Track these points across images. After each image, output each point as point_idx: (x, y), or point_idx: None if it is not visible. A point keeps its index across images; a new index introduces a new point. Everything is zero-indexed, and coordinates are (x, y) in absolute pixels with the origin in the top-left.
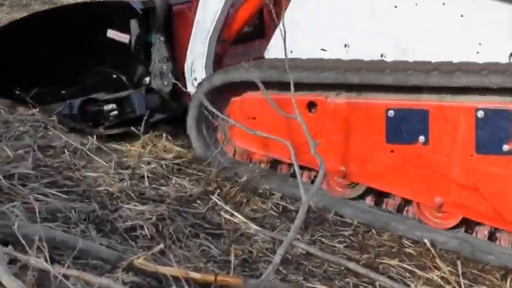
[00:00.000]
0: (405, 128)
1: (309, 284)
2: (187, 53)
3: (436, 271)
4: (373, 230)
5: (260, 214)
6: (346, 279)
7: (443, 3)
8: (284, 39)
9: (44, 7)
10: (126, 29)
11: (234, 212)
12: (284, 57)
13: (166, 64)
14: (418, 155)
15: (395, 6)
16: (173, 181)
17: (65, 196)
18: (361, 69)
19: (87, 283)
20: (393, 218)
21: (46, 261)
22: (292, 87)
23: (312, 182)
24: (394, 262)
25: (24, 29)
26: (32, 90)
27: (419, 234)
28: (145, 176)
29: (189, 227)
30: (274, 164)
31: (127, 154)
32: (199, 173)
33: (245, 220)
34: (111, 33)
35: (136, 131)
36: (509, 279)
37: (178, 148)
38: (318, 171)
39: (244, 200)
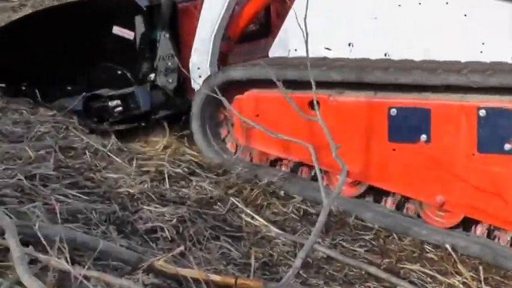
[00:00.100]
0: (407, 126)
1: None
2: (192, 50)
3: (458, 276)
4: (394, 235)
5: (281, 217)
6: (367, 284)
7: (447, 3)
8: (306, 40)
9: None
10: (131, 26)
11: (254, 215)
12: (287, 55)
13: (171, 61)
14: (420, 153)
15: (399, 5)
16: (194, 183)
17: (85, 197)
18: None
19: (107, 284)
20: (414, 223)
21: (67, 262)
22: (313, 87)
23: (313, 178)
24: (415, 267)
25: (29, 26)
26: (38, 86)
27: (441, 239)
28: (166, 177)
29: (210, 229)
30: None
31: (148, 156)
32: (220, 175)
33: (266, 223)
34: (117, 30)
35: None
36: None
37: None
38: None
39: (265, 203)
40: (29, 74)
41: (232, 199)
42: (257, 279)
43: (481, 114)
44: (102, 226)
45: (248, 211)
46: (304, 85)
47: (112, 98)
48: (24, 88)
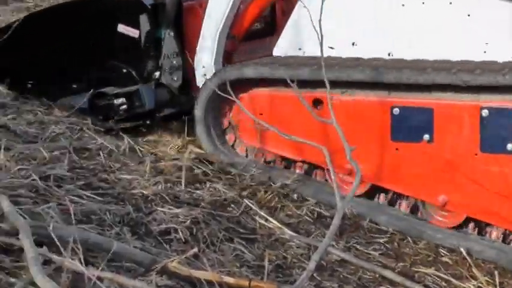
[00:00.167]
0: (410, 126)
1: None
2: (197, 48)
3: (473, 281)
4: (409, 238)
5: (295, 219)
6: (381, 287)
7: (450, 3)
8: (321, 42)
9: None
10: (136, 24)
11: (268, 217)
12: (291, 54)
13: (176, 59)
14: (422, 153)
15: (403, 5)
16: (207, 185)
17: (99, 198)
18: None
19: (121, 286)
20: (429, 227)
21: (80, 263)
22: (327, 86)
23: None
24: (430, 271)
25: (34, 24)
26: (43, 84)
27: (456, 243)
28: (180, 179)
29: (223, 231)
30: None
31: (162, 157)
32: (234, 177)
33: (280, 225)
34: (122, 28)
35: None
36: None
37: None
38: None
39: (279, 205)
40: (35, 72)
41: (246, 201)
42: (271, 281)
43: (483, 114)
44: (116, 227)
45: (262, 213)
46: (307, 84)
47: (117, 96)
48: (29, 86)
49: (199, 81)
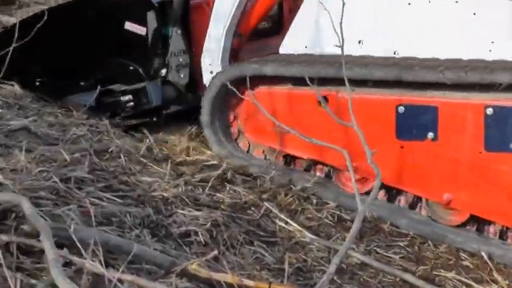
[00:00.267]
0: (415, 124)
1: None
2: (204, 46)
3: (494, 285)
4: (430, 242)
5: (315, 222)
6: None
7: (456, 1)
8: (342, 45)
9: None
10: (143, 22)
11: (288, 220)
12: (296, 52)
13: (182, 57)
14: (427, 151)
15: (409, 4)
16: (228, 187)
17: (120, 200)
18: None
19: None
20: (450, 231)
21: (101, 265)
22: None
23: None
24: (451, 274)
25: (42, 22)
26: (51, 82)
27: (477, 247)
28: (200, 181)
29: (243, 234)
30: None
31: (182, 160)
32: (254, 180)
33: (300, 228)
34: (129, 26)
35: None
36: None
37: None
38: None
39: (299, 208)
40: (43, 70)
41: (267, 204)
42: (291, 284)
43: (488, 112)
44: (136, 229)
45: (282, 216)
46: (313, 82)
47: (124, 93)
48: (38, 84)
49: (206, 78)
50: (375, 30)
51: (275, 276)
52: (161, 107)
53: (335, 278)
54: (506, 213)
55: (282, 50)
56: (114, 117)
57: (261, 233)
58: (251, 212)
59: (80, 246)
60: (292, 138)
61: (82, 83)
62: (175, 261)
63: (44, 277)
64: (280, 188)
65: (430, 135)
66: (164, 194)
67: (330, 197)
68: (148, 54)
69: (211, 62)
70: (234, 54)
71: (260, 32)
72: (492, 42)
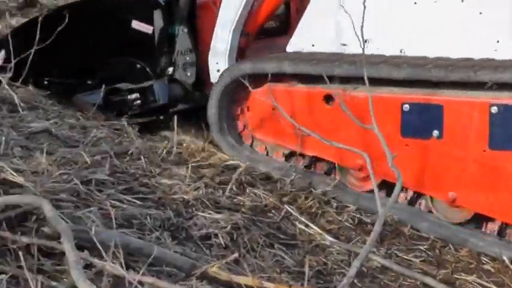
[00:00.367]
0: (420, 122)
1: None
2: (211, 45)
3: None
4: (450, 245)
5: (335, 226)
6: None
7: (462, 1)
8: (363, 48)
9: None
10: (150, 21)
11: (308, 223)
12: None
13: (189, 55)
14: (432, 149)
15: (415, 3)
16: (248, 190)
17: (140, 203)
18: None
19: None
20: (472, 234)
21: (121, 267)
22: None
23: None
24: (471, 278)
25: (50, 22)
26: (59, 80)
27: (498, 251)
28: (221, 184)
29: (264, 237)
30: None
31: (203, 162)
32: (274, 183)
33: (320, 231)
34: (136, 24)
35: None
36: None
37: None
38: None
39: (319, 212)
40: (50, 68)
41: (287, 207)
42: (311, 287)
43: (492, 111)
44: (157, 232)
45: (302, 219)
46: (319, 80)
47: (131, 91)
48: (46, 82)
49: (213, 77)
50: (382, 29)
51: (295, 279)
52: (168, 105)
53: (355, 281)
54: (510, 212)
55: (289, 49)
56: (121, 116)
57: (281, 236)
58: (271, 214)
59: (100, 248)
60: (295, 135)
61: (89, 82)
62: (195, 264)
63: (65, 279)
64: (301, 191)
65: (435, 133)
66: (185, 197)
67: (350, 200)
68: (155, 52)
69: (218, 60)
70: (240, 53)
71: (267, 31)
72: (497, 41)
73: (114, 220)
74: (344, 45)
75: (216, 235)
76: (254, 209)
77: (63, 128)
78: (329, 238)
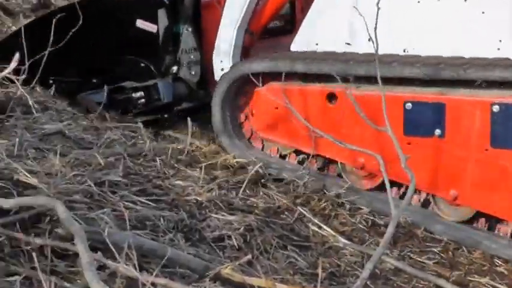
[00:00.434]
0: (422, 121)
1: None
2: (216, 43)
3: None
4: (464, 248)
5: (348, 227)
6: None
7: (465, 0)
8: (376, 50)
9: None
10: (154, 19)
11: (322, 225)
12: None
13: (193, 54)
14: (434, 147)
15: (418, 2)
16: (261, 192)
17: (154, 204)
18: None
19: None
20: (485, 237)
21: (135, 268)
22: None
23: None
24: (485, 280)
25: (55, 21)
26: (64, 79)
27: (511, 253)
28: (234, 186)
29: (277, 238)
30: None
31: (216, 164)
32: (288, 185)
33: (333, 233)
34: (140, 23)
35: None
36: None
37: None
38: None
39: (333, 213)
40: (56, 68)
41: (300, 208)
42: None
43: (494, 109)
44: (170, 233)
45: (316, 221)
46: (322, 78)
47: (136, 90)
48: (51, 81)
49: (217, 76)
50: (385, 28)
51: (308, 281)
52: (172, 103)
53: (368, 283)
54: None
55: (293, 48)
56: (126, 114)
57: (295, 238)
58: (285, 216)
59: (113, 249)
60: (299, 133)
61: (94, 80)
62: (208, 266)
63: (78, 280)
64: (314, 193)
65: (437, 131)
66: (198, 198)
67: (363, 202)
68: (159, 51)
69: (223, 59)
70: (245, 52)
71: (272, 30)
72: (500, 40)
73: (127, 221)
74: (348, 44)
75: (229, 237)
76: (267, 210)
77: (76, 130)
78: (342, 240)
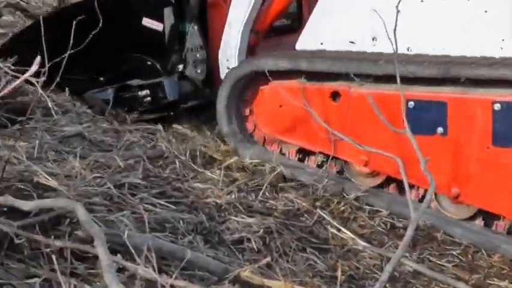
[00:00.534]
0: (424, 119)
1: None
2: (222, 42)
3: None
4: (483, 251)
5: (368, 230)
6: None
7: None
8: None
9: None
10: (160, 18)
11: (341, 227)
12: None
13: (199, 52)
14: (436, 145)
15: (422, 1)
16: (280, 195)
17: (173, 207)
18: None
19: None
20: (504, 241)
21: (154, 271)
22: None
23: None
24: (504, 284)
25: (61, 19)
26: (71, 77)
27: None
28: (253, 188)
29: (296, 241)
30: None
31: (235, 167)
32: (306, 187)
33: (352, 236)
34: (146, 21)
35: None
36: None
37: None
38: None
39: (352, 216)
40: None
41: (319, 211)
42: None
43: (496, 108)
44: (189, 236)
45: (335, 223)
46: (326, 76)
47: (142, 88)
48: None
49: (223, 74)
50: (389, 27)
51: (327, 284)
52: (178, 101)
53: (388, 286)
54: None
55: (298, 46)
56: (132, 112)
57: (314, 240)
58: (304, 219)
59: (133, 252)
60: (305, 131)
61: (101, 78)
62: (228, 268)
63: (98, 283)
64: (333, 196)
65: (440, 130)
66: (217, 201)
67: (382, 205)
68: (165, 49)
69: (229, 57)
70: (250, 51)
71: (280, 29)
72: (503, 39)
73: (147, 224)
74: (352, 43)
75: (248, 239)
76: (287, 213)
77: (96, 132)
78: (361, 243)
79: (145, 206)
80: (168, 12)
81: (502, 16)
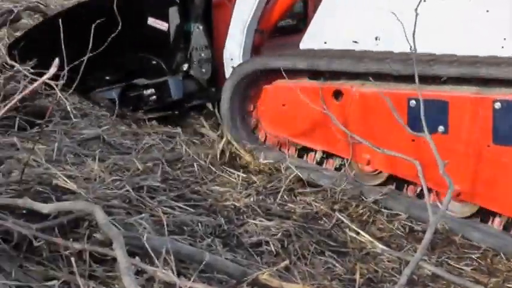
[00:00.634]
0: (426, 117)
1: None
2: (226, 41)
3: None
4: (502, 254)
5: (386, 234)
6: None
7: None
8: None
9: None
10: (165, 17)
11: (359, 231)
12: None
13: (204, 52)
14: (437, 144)
15: (424, 1)
16: (298, 198)
17: (192, 210)
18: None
19: None
20: None
21: (173, 273)
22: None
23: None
24: None
25: (67, 19)
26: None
27: None
28: (272, 191)
29: (315, 244)
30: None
31: (254, 170)
32: (325, 191)
33: (371, 239)
34: (151, 21)
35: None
36: None
37: None
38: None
39: (370, 219)
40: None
41: (338, 214)
42: None
43: (496, 106)
44: (208, 239)
45: (353, 227)
46: (328, 75)
47: (147, 87)
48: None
49: (228, 73)
50: (392, 26)
51: (346, 287)
52: (182, 100)
53: None
54: None
55: (302, 46)
56: (137, 111)
57: (332, 244)
58: (322, 222)
59: (152, 254)
60: (305, 130)
61: (106, 78)
62: (246, 271)
63: (116, 285)
64: (352, 199)
65: (441, 128)
66: (236, 204)
67: (401, 208)
68: (170, 49)
69: (233, 57)
70: (255, 50)
71: (285, 29)
72: (504, 39)
73: (165, 227)
74: (355, 42)
75: (267, 242)
76: (305, 216)
77: (115, 135)
78: (380, 246)
79: (164, 208)
80: (173, 11)
81: (504, 16)
